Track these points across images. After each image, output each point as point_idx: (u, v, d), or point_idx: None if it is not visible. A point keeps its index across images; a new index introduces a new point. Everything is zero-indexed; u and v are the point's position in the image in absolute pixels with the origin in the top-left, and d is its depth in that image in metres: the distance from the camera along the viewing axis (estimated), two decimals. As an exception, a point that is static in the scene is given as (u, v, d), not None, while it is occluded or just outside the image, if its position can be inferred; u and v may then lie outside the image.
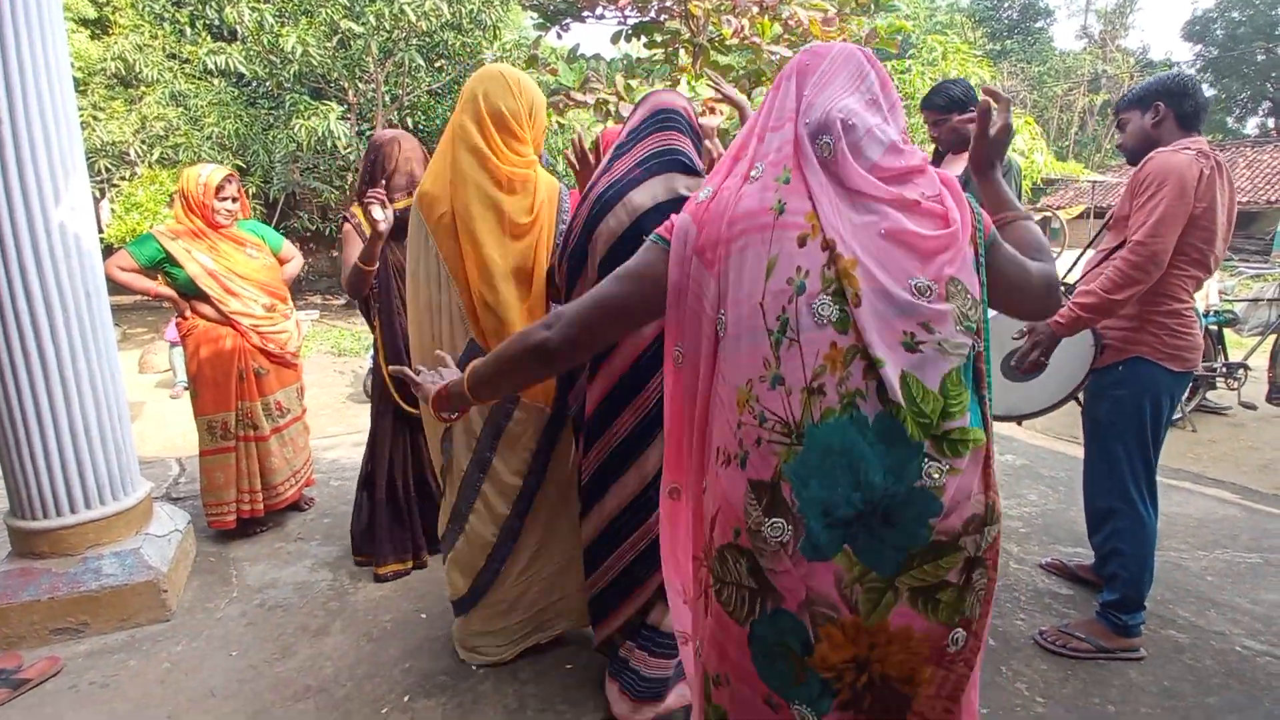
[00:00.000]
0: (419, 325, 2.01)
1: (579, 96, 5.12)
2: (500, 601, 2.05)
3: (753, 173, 1.02)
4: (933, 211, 0.96)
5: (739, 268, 0.97)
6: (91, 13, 9.47)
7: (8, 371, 2.18)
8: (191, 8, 8.91)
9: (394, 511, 2.70)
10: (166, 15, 9.17)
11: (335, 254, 14.21)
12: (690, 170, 1.65)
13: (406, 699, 1.98)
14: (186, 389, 6.20)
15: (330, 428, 5.06)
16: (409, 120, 10.15)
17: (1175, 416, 4.77)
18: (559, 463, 2.01)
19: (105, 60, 8.54)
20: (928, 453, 0.87)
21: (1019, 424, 3.74)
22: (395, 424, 2.67)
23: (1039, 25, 29.86)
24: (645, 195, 1.61)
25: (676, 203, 1.55)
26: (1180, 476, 3.80)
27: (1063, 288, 2.55)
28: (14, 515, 2.32)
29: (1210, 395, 5.30)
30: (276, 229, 10.51)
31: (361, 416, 5.42)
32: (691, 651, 1.11)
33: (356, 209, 2.60)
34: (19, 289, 2.14)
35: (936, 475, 0.87)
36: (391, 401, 2.62)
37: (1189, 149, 2.01)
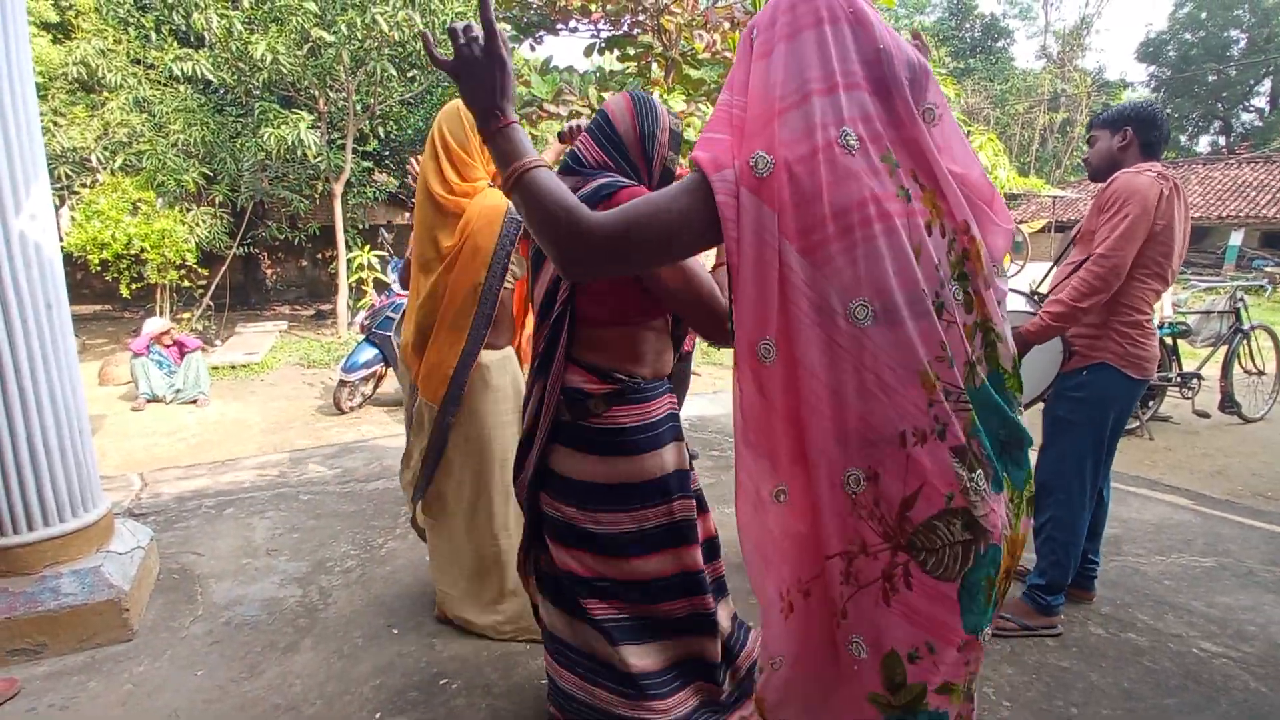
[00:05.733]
0: None
1: (552, 108, 5.16)
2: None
3: (842, 140, 0.91)
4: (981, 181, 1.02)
5: (876, 254, 0.91)
6: (53, 16, 9.25)
7: (-37, 385, 2.11)
8: (157, 13, 8.75)
9: None
10: (131, 20, 9.00)
11: (304, 264, 14.00)
12: (568, 170, 1.52)
13: (378, 716, 1.96)
14: (150, 401, 6.10)
15: (299, 441, 4.97)
16: (380, 130, 10.07)
17: (1133, 425, 4.95)
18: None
19: (66, 65, 8.32)
20: (1017, 396, 1.06)
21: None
22: None
23: (1000, 45, 30.73)
24: None
25: None
26: (1137, 483, 3.92)
27: (1035, 297, 2.64)
28: (-33, 533, 2.24)
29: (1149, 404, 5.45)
30: (244, 238, 10.29)
31: (332, 429, 5.34)
32: (835, 649, 1.02)
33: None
34: (-24, 300, 2.08)
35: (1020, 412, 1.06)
36: None
37: (1149, 171, 2.16)
